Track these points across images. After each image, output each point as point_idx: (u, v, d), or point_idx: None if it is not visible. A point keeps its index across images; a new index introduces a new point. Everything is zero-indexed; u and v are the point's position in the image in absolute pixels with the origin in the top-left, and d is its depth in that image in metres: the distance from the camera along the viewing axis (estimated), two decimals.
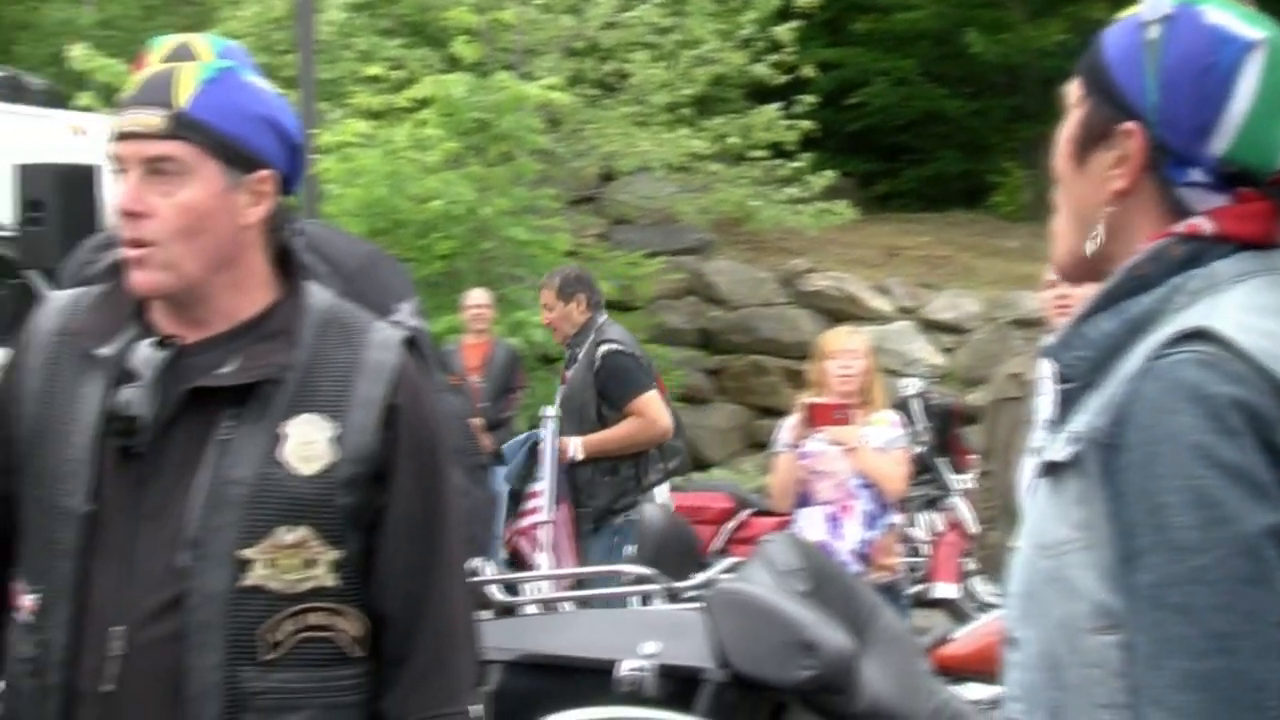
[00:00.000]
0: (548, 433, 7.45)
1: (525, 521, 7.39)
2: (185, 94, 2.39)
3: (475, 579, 5.34)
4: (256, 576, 2.34)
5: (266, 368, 2.39)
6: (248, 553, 2.34)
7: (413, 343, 2.52)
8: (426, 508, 2.43)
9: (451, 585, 2.46)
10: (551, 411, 7.63)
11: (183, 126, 2.37)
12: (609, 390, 7.69)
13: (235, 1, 16.48)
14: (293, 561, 2.35)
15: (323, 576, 2.37)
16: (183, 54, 2.83)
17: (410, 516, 2.42)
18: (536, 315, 13.06)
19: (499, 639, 4.43)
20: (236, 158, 2.40)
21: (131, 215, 2.39)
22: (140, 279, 2.41)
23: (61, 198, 12.32)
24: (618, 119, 15.27)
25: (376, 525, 2.41)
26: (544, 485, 7.34)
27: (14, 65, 16.53)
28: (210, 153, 2.38)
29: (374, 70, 14.58)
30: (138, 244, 2.39)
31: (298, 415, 2.38)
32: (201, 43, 2.89)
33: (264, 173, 2.43)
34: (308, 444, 2.37)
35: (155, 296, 2.44)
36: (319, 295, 2.51)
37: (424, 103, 13.69)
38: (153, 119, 2.38)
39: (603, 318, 8.09)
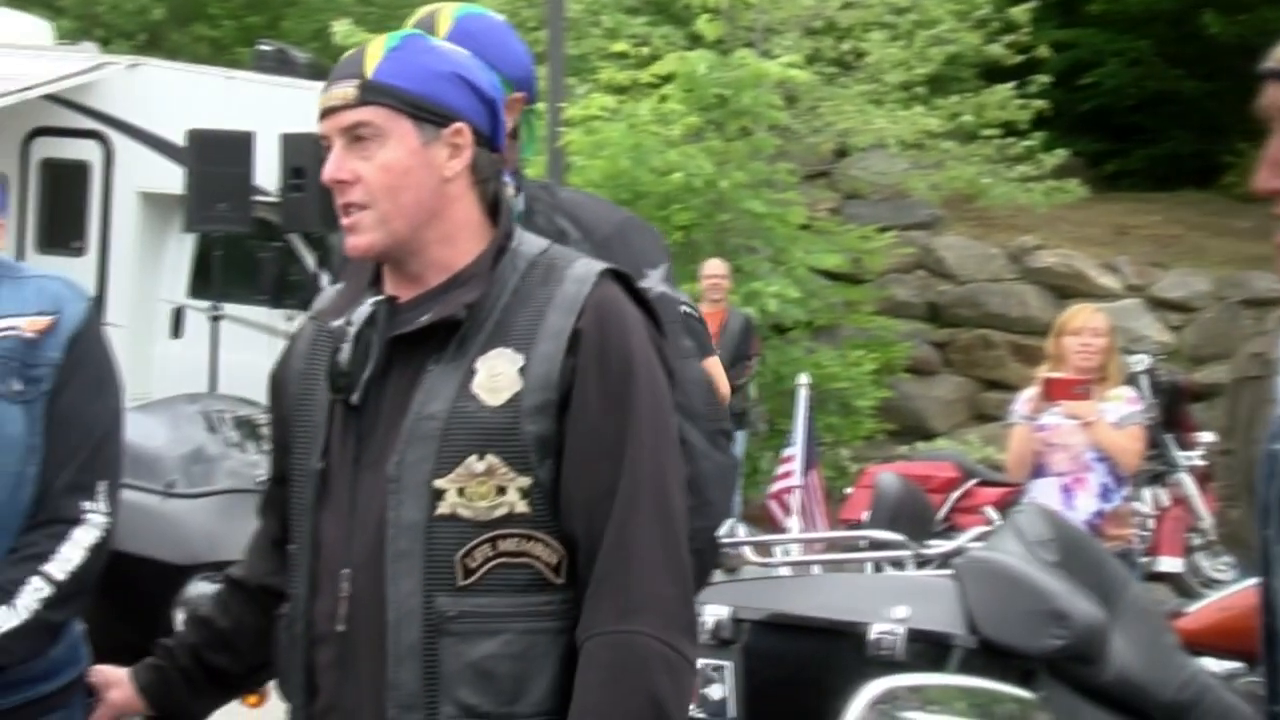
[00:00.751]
0: (801, 401, 7.51)
1: (776, 486, 7.45)
2: (372, 63, 2.45)
3: (728, 540, 5.43)
4: (450, 505, 2.37)
5: (454, 308, 2.43)
6: (441, 483, 2.37)
7: (617, 275, 2.51)
8: (613, 434, 2.39)
9: (639, 512, 2.39)
10: (805, 379, 7.68)
11: (371, 92, 2.43)
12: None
13: None
14: (483, 489, 2.37)
15: (514, 503, 2.38)
16: (426, 24, 2.94)
17: (595, 442, 2.39)
18: (771, 285, 13.15)
19: (749, 599, 4.48)
20: (427, 114, 2.44)
21: (339, 183, 2.45)
22: (354, 242, 2.47)
23: (322, 166, 12.56)
24: (853, 96, 15.20)
25: (562, 452, 2.40)
26: (795, 451, 7.40)
27: (281, 41, 16.90)
28: (401, 113, 2.43)
29: (619, 47, 14.70)
30: (350, 209, 2.46)
31: (490, 351, 2.41)
32: (446, 11, 2.99)
33: (457, 125, 2.47)
34: (495, 376, 2.39)
35: (370, 257, 2.50)
36: (530, 240, 2.54)
37: (667, 79, 13.75)
38: (346, 91, 2.45)
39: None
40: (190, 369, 12.55)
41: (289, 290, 13.58)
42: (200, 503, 3.57)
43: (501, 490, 2.38)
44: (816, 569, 5.73)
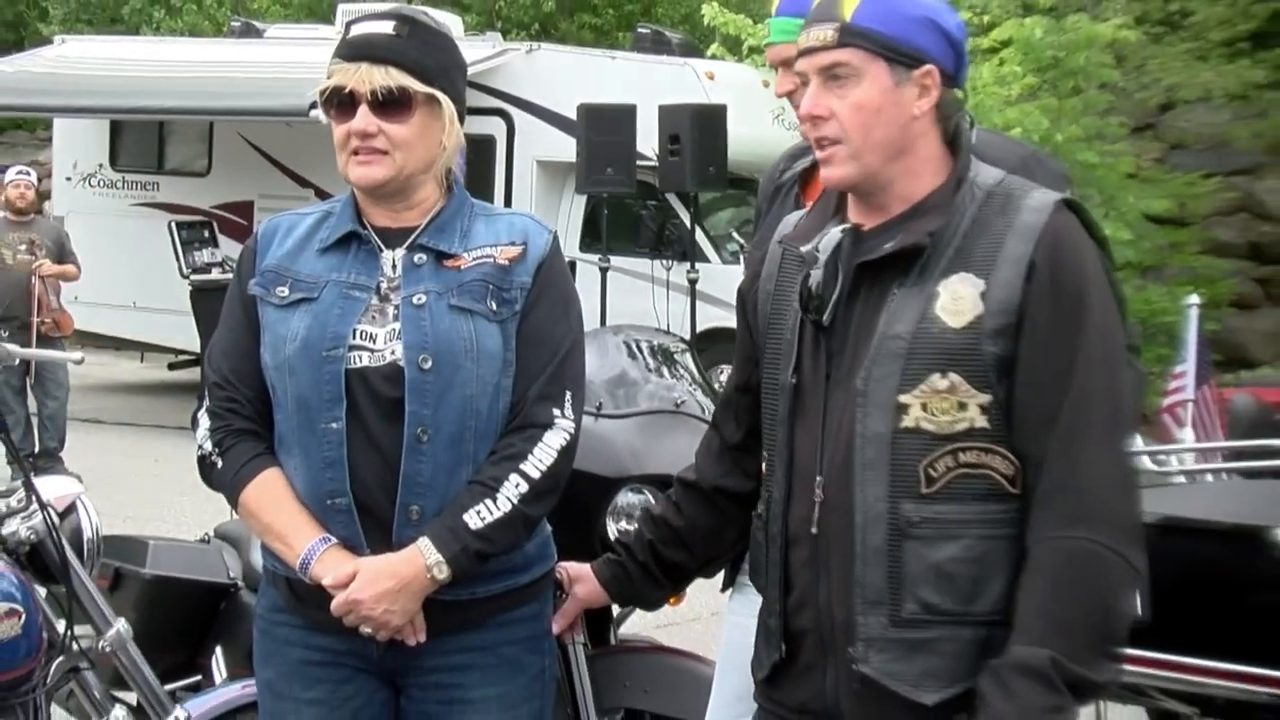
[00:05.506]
0: (1191, 319, 7.34)
1: (1168, 400, 7.24)
2: (850, 7, 2.39)
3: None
4: (914, 419, 2.33)
5: (918, 236, 2.37)
6: (905, 398, 2.33)
7: (1071, 205, 2.41)
8: (1067, 355, 2.30)
9: (1091, 427, 2.29)
10: (1195, 299, 7.52)
11: (849, 35, 2.38)
12: None
13: None
14: (945, 405, 2.32)
15: (974, 418, 2.31)
16: None
17: (1050, 363, 2.30)
18: (1104, 229, 12.74)
19: (1152, 504, 4.28)
20: (899, 56, 2.38)
21: (815, 119, 2.42)
22: (829, 173, 2.44)
23: (696, 132, 12.60)
24: (1178, 54, 14.64)
25: (1017, 371, 2.33)
26: (1187, 367, 7.19)
27: (656, 24, 17.04)
28: (875, 55, 2.38)
29: (962, 15, 14.37)
30: (824, 143, 2.42)
31: (951, 275, 2.35)
32: None
33: (927, 67, 2.40)
34: (958, 299, 2.33)
35: (843, 188, 2.47)
36: (987, 172, 2.46)
37: (1005, 43, 13.47)
38: (825, 33, 2.40)
39: None
40: (584, 315, 12.75)
41: (667, 243, 13.80)
42: (625, 423, 3.58)
43: (962, 406, 2.32)
44: (1210, 477, 5.42)
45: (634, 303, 12.63)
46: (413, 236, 2.82)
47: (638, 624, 3.61)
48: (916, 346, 2.34)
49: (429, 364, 2.72)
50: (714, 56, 14.58)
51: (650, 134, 12.78)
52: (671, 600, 3.42)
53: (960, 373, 2.32)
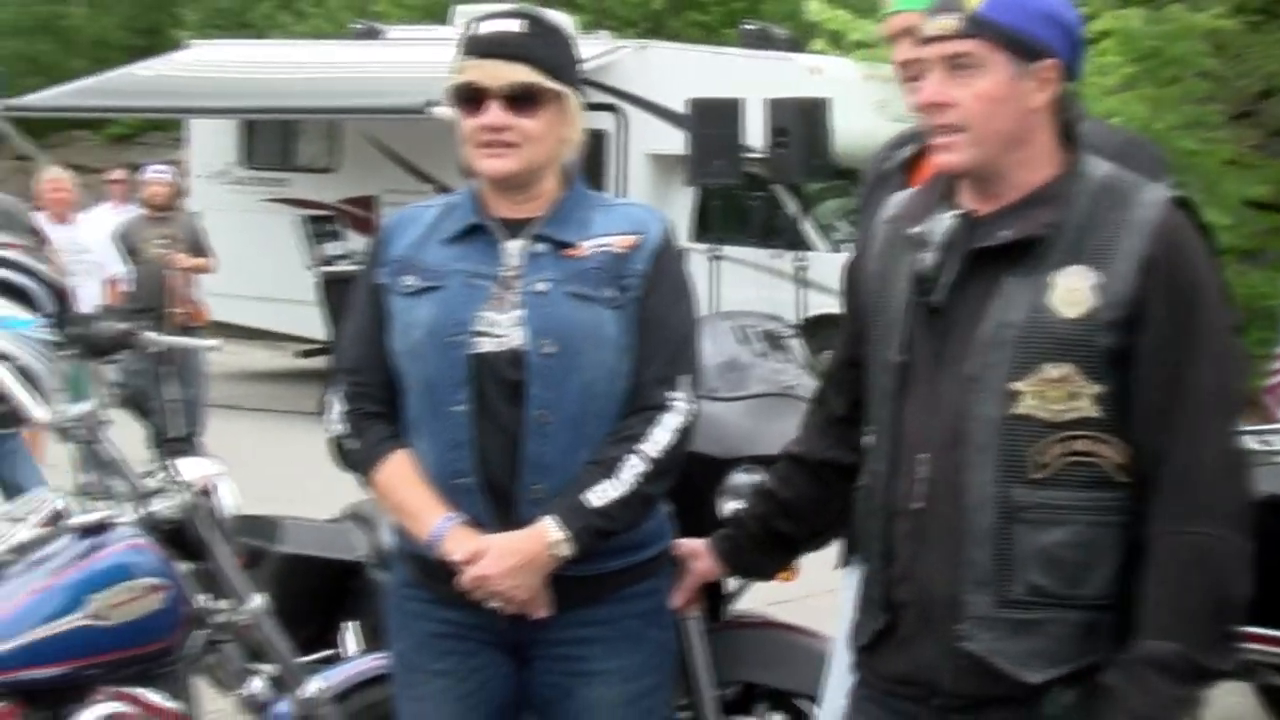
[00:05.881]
0: None
1: (1272, 381, 7.10)
2: None
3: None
4: (1026, 406, 2.31)
5: (1037, 226, 2.35)
6: (1018, 385, 2.31)
7: (1182, 202, 2.39)
8: (1181, 352, 2.30)
9: (1205, 422, 2.29)
10: None
11: (975, 26, 2.35)
12: None
13: None
14: (1058, 394, 2.30)
15: (1086, 408, 2.30)
16: None
17: (1164, 359, 2.29)
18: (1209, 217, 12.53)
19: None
20: (1023, 50, 2.35)
21: (936, 106, 2.39)
22: (946, 159, 2.41)
23: (801, 125, 12.59)
24: (1277, 42, 14.36)
25: (1131, 364, 2.31)
26: None
27: (761, 20, 16.98)
28: (999, 47, 2.35)
29: None
30: (943, 130, 2.40)
31: (1066, 267, 2.33)
32: None
33: (1049, 62, 2.37)
34: (1072, 291, 2.31)
35: (958, 174, 2.44)
36: (1097, 165, 2.43)
37: (1104, 34, 13.26)
38: (950, 22, 2.37)
39: None
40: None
41: (774, 232, 13.77)
42: (736, 405, 3.56)
43: (1074, 396, 2.31)
44: None
45: (744, 290, 12.61)
46: (533, 227, 2.83)
47: (753, 600, 3.60)
48: (1030, 335, 2.32)
49: (550, 349, 2.74)
50: (819, 52, 14.48)
51: (757, 127, 12.77)
52: (785, 576, 3.41)
53: (1073, 363, 2.30)
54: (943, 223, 2.42)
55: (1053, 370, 2.30)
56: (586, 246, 2.82)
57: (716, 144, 12.73)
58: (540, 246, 2.82)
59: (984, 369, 2.34)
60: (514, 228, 2.84)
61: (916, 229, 2.46)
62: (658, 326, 2.82)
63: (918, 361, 2.43)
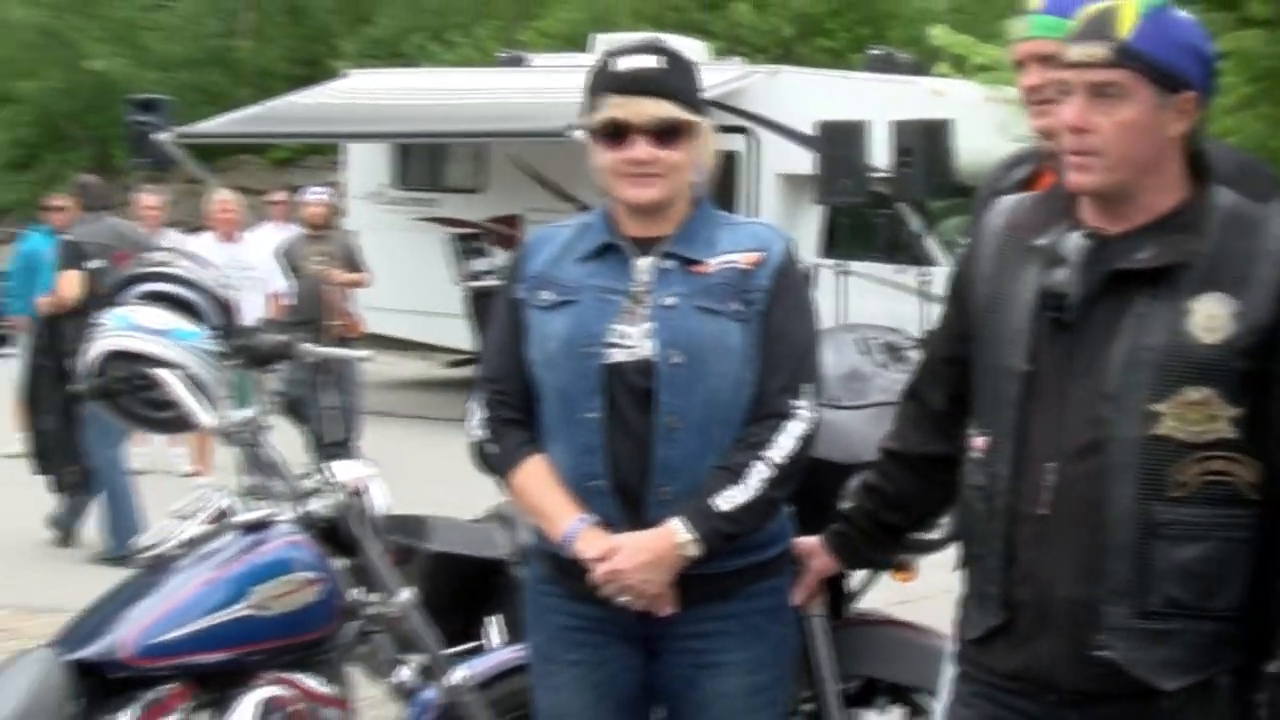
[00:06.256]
0: None
1: None
2: (1126, 28, 2.33)
3: None
4: (1166, 427, 2.30)
5: (1179, 253, 2.33)
6: (1158, 407, 2.30)
7: None
8: None
9: None
10: None
11: (1124, 56, 2.32)
12: None
13: None
14: (1197, 415, 2.30)
15: (1223, 429, 2.30)
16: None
17: None
18: None
19: None
20: (1167, 82, 2.32)
21: (1077, 130, 2.36)
22: (1080, 180, 2.39)
23: (925, 146, 12.50)
24: None
25: (1268, 388, 2.31)
26: None
27: (887, 46, 16.89)
28: (1145, 78, 2.32)
29: None
30: (1081, 152, 2.37)
31: (1204, 294, 2.31)
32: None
33: (1189, 94, 2.34)
34: (1212, 317, 2.30)
35: (1090, 195, 2.41)
36: (1224, 194, 2.41)
37: (1223, 55, 13.00)
38: (1097, 50, 2.34)
39: None
40: (823, 315, 12.72)
41: (899, 249, 13.69)
42: (857, 414, 3.55)
43: (1213, 418, 2.32)
44: None
45: (870, 304, 12.54)
46: (663, 245, 2.88)
47: (875, 600, 3.61)
48: (1170, 359, 2.31)
49: (678, 359, 2.78)
50: (942, 75, 14.38)
51: (882, 148, 12.70)
52: (905, 578, 3.41)
53: (1213, 387, 2.31)
54: (1073, 240, 2.41)
55: (1193, 393, 2.30)
56: (713, 263, 2.86)
57: (844, 164, 12.69)
58: (669, 263, 2.86)
59: (1122, 389, 2.33)
60: (644, 245, 2.89)
61: (1042, 241, 2.44)
62: (781, 338, 2.85)
63: (1043, 372, 2.41)
